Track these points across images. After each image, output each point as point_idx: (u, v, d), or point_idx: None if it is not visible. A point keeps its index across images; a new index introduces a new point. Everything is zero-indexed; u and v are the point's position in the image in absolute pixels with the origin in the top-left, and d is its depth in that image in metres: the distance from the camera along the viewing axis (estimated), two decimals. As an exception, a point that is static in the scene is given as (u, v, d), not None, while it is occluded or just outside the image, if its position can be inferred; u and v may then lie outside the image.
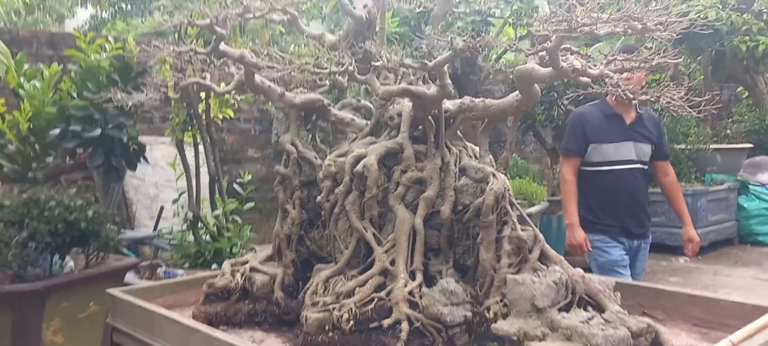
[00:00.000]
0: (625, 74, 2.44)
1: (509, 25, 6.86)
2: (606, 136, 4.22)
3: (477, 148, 2.60)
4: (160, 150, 6.77)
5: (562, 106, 8.37)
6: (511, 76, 2.59)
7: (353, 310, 2.16)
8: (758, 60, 9.53)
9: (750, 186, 9.17)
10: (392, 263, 2.30)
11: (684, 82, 10.54)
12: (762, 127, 10.45)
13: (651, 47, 1.86)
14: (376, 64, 2.26)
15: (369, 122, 2.95)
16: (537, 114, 8.71)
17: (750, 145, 9.82)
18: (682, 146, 9.06)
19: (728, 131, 10.61)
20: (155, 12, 5.29)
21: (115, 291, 2.84)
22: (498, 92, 10.52)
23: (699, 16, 8.75)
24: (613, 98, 4.26)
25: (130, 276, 4.43)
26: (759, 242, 8.86)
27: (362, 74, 2.56)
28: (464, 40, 1.89)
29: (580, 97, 3.48)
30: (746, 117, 10.92)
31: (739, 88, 12.69)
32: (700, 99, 2.00)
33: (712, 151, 9.35)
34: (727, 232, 8.87)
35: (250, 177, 5.86)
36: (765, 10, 9.24)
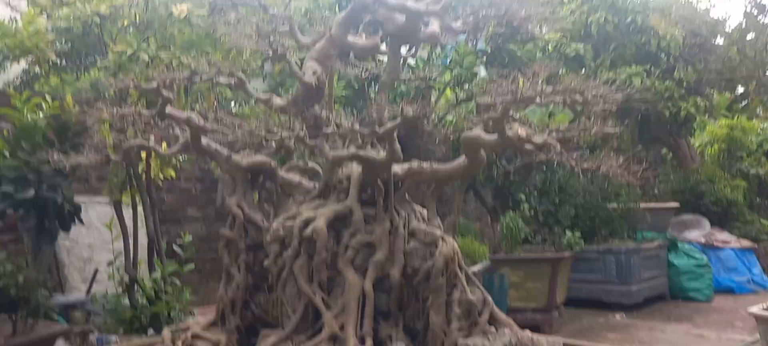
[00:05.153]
0: None
1: (450, 88, 7.06)
2: None
3: (425, 211, 2.64)
4: (95, 210, 6.53)
5: (501, 166, 8.59)
6: (451, 137, 2.65)
7: (302, 378, 2.12)
8: (681, 125, 10.12)
9: (679, 243, 9.56)
10: (342, 328, 2.29)
11: (613, 143, 11.01)
12: (687, 187, 10.98)
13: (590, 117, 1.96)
14: (327, 130, 2.29)
15: (317, 185, 2.96)
16: (477, 174, 8.89)
17: (676, 205, 10.28)
18: (614, 205, 9.39)
19: (656, 191, 11.08)
20: (95, 70, 5.17)
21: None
22: (439, 152, 10.71)
23: (626, 84, 9.25)
24: None
25: (60, 344, 4.19)
26: (689, 298, 9.18)
27: (311, 138, 2.58)
28: (413, 109, 1.95)
29: (518, 159, 3.57)
30: (672, 178, 11.47)
31: (664, 150, 13.36)
32: (634, 165, 2.10)
33: (643, 210, 9.72)
34: (659, 288, 9.17)
35: (190, 238, 5.71)
36: (684, 78, 9.86)
